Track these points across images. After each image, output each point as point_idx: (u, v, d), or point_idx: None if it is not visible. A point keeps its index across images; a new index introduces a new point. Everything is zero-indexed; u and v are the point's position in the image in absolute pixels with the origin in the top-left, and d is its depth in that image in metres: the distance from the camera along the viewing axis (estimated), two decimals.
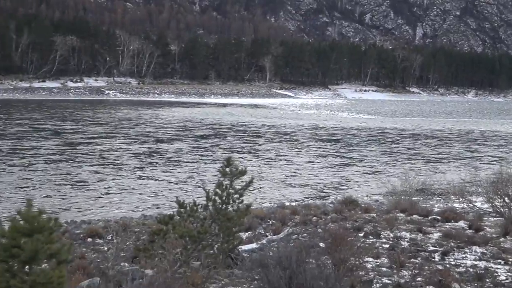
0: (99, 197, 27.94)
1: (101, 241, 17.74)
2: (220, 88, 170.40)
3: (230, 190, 11.24)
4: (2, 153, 41.28)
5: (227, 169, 11.26)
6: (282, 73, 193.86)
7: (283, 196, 29.39)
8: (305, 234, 16.98)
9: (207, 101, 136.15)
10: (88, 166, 37.05)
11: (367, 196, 29.16)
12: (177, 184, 31.79)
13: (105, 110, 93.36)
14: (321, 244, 14.24)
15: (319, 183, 33.56)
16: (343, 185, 33.15)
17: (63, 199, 27.18)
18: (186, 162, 39.98)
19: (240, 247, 13.42)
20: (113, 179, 32.74)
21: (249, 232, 17.76)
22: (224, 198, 11.23)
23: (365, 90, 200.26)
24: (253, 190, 25.00)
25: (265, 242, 15.78)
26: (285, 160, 42.46)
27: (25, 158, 39.39)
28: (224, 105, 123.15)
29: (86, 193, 28.74)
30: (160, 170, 36.57)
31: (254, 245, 15.31)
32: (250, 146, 50.40)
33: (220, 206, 11.29)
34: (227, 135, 60.04)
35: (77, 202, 26.65)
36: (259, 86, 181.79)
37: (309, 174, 36.44)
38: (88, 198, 27.64)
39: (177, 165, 38.77)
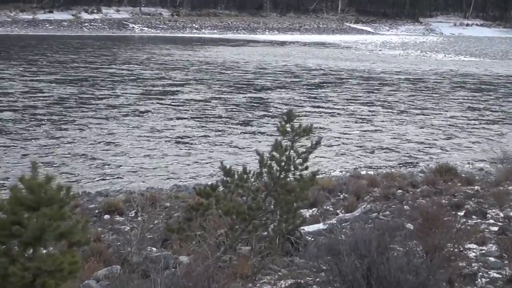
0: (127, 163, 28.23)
1: (122, 218, 17.99)
2: (277, 21, 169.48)
3: (291, 153, 11.12)
4: (70, 102, 42.84)
5: (288, 126, 11.12)
6: (358, 2, 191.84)
7: (359, 162, 29.27)
8: (387, 212, 16.90)
9: (260, 38, 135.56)
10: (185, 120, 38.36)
11: (468, 163, 28.89)
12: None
13: (178, 50, 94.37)
14: (409, 226, 14.14)
15: (404, 145, 33.30)
16: (436, 149, 32.80)
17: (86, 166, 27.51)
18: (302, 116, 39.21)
19: (302, 228, 13.40)
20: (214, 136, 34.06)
21: (315, 209, 17.75)
22: (283, 163, 11.10)
23: (467, 24, 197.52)
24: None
25: (335, 222, 15.74)
26: (362, 117, 42.29)
27: (103, 110, 40.69)
28: (282, 43, 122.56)
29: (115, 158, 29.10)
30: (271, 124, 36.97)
31: (321, 226, 15.28)
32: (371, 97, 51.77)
33: (278, 174, 11.19)
34: (343, 82, 60.92)
35: (104, 169, 26.97)
36: (328, 19, 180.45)
37: (392, 134, 36.17)
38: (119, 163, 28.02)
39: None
